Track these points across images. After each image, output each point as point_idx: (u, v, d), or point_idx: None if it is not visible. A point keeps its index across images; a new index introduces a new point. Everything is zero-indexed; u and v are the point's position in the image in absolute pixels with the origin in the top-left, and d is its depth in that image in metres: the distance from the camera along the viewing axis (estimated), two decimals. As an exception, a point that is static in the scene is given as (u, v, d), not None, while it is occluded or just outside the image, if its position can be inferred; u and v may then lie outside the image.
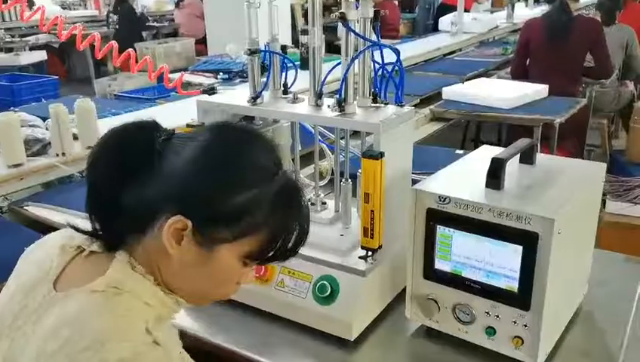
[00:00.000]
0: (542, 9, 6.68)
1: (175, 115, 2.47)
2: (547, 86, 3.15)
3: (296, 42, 4.95)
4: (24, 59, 6.91)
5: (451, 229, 1.11)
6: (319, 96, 1.26)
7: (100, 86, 5.36)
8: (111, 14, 8.52)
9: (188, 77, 4.26)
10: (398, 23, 7.38)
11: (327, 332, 1.19)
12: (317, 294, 1.19)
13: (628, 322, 1.24)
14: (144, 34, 8.61)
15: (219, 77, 4.19)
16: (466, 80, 3.51)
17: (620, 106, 4.68)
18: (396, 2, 7.51)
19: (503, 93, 3.00)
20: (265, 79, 1.32)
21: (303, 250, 1.23)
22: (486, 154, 1.32)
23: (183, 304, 0.87)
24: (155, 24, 9.13)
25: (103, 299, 0.77)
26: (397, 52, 1.21)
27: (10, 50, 7.32)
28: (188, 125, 1.34)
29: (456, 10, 5.20)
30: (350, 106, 1.20)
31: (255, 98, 1.30)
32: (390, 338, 1.22)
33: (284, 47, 1.34)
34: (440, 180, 1.18)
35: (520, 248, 1.03)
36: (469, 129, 4.68)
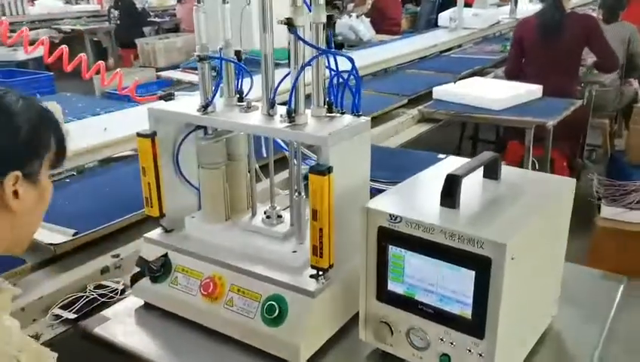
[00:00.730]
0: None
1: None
2: (541, 86, 3.05)
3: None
4: (22, 55, 6.87)
5: (403, 250, 1.04)
6: (272, 105, 1.19)
7: (99, 82, 5.31)
8: (112, 9, 8.48)
9: (179, 75, 4.20)
10: (400, 17, 7.28)
11: (275, 355, 1.13)
12: (265, 315, 1.13)
13: (597, 346, 1.17)
14: (145, 29, 8.56)
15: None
16: (461, 78, 3.41)
17: (622, 105, 4.57)
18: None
19: (495, 93, 2.91)
20: (215, 86, 1.25)
21: (253, 267, 1.19)
22: (450, 167, 1.25)
23: None
24: (156, 19, 9.09)
25: None
26: (351, 60, 1.13)
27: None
28: (138, 134, 1.28)
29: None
30: (301, 117, 1.13)
31: (205, 107, 1.23)
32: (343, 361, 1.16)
33: (238, 53, 1.28)
34: (394, 197, 1.11)
35: (473, 273, 0.96)
36: (467, 127, 4.59)
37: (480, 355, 0.99)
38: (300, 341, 1.10)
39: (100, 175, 2.00)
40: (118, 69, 1.60)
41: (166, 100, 1.37)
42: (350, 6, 7.65)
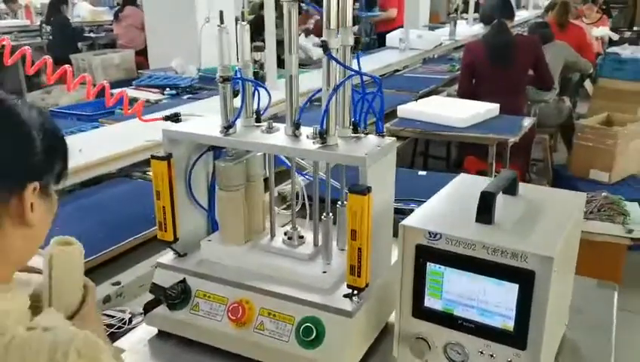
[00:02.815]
0: (480, 26, 6.90)
1: (128, 136, 2.35)
2: (498, 105, 3.21)
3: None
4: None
5: (442, 266, 1.06)
6: (297, 126, 1.19)
7: (33, 100, 5.05)
8: (44, 25, 8.13)
9: (132, 92, 4.08)
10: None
11: (312, 377, 1.12)
12: (301, 337, 1.12)
13: (611, 352, 1.24)
14: (80, 45, 8.25)
15: (165, 93, 4.04)
16: (419, 97, 3.53)
17: (560, 121, 4.87)
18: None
19: (457, 111, 3.03)
20: (240, 108, 1.23)
21: (284, 289, 1.18)
22: (467, 183, 1.30)
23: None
24: (91, 35, 8.78)
25: None
26: (379, 81, 1.16)
27: None
28: (153, 156, 1.24)
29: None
30: (332, 138, 1.14)
31: (228, 128, 1.21)
32: (378, 380, 1.16)
33: (256, 73, 1.27)
34: (427, 214, 1.14)
35: (516, 286, 1.00)
36: (419, 143, 4.73)
37: (521, 365, 1.03)
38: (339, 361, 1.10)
39: (84, 198, 1.91)
40: (104, 81, 1.53)
41: (173, 121, 1.35)
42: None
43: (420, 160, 4.75)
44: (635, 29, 9.60)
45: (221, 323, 1.19)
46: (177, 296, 1.23)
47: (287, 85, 1.20)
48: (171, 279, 1.26)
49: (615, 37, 7.54)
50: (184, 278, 1.26)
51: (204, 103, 3.45)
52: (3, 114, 0.82)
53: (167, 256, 1.32)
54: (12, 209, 0.80)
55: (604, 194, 3.06)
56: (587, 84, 5.93)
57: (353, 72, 1.12)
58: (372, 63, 4.38)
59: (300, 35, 5.96)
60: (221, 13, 1.21)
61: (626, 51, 7.27)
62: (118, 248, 1.56)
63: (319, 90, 1.16)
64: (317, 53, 5.48)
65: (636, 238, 2.90)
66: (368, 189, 1.06)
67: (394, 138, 1.19)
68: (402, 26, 5.37)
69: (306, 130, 1.19)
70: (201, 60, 4.32)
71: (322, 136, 1.13)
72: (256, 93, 1.27)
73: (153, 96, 3.90)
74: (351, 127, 1.19)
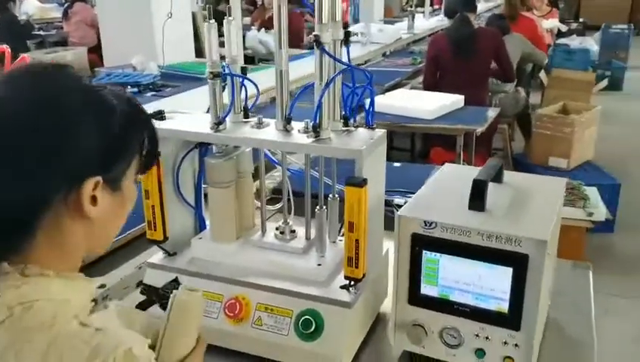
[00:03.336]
0: (437, 19, 7.03)
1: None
2: (463, 97, 3.29)
3: (198, 52, 4.79)
4: None
5: (438, 254, 1.09)
6: (288, 120, 1.20)
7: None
8: (-10, 23, 7.78)
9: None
10: (303, 32, 7.41)
11: (313, 369, 1.13)
12: (300, 330, 1.13)
13: (592, 328, 1.30)
14: (29, 43, 7.95)
15: (127, 90, 3.95)
16: (385, 90, 3.58)
17: (516, 111, 5.02)
18: (299, 11, 7.54)
19: (424, 104, 3.09)
20: (230, 104, 1.23)
21: (280, 284, 1.18)
22: (453, 172, 1.34)
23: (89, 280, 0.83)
24: (40, 32, 8.48)
25: (17, 321, 0.70)
26: (370, 75, 1.18)
27: None
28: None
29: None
30: (325, 132, 1.15)
31: (218, 124, 1.21)
32: (376, 368, 1.19)
33: (244, 69, 1.27)
34: (420, 204, 1.17)
35: (510, 270, 1.04)
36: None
37: (515, 345, 1.07)
38: (340, 353, 1.11)
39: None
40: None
41: (158, 119, 1.33)
42: (247, 20, 7.67)
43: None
44: (580, 20, 9.98)
45: (218, 321, 1.19)
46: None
47: (278, 80, 1.20)
48: (163, 279, 1.25)
49: (564, 28, 7.82)
50: (176, 277, 1.25)
51: (169, 101, 3.39)
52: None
53: (156, 256, 1.31)
54: (70, 200, 0.75)
55: (565, 180, 3.17)
56: (542, 74, 6.13)
57: (345, 66, 1.14)
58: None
59: (259, 30, 5.92)
60: (209, 8, 1.20)
61: (575, 42, 7.57)
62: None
63: (311, 85, 1.17)
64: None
65: (596, 221, 3.03)
66: (365, 181, 1.07)
67: (384, 130, 1.21)
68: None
69: (297, 125, 1.20)
70: (164, 57, 4.24)
71: (316, 130, 1.14)
72: (243, 88, 1.27)
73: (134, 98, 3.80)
74: (342, 120, 1.20)
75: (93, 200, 0.77)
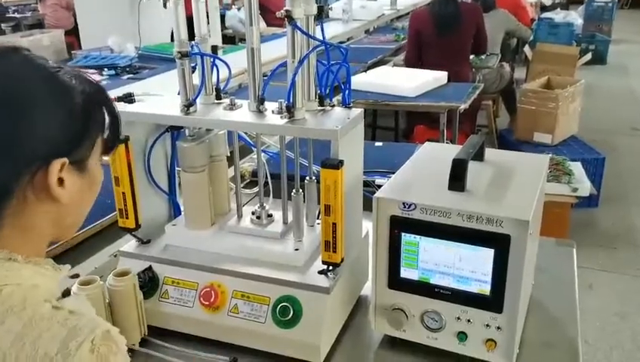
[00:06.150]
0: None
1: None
2: (446, 73, 3.24)
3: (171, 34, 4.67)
4: None
5: (417, 236, 1.06)
6: (261, 101, 1.15)
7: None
8: (-38, 5, 7.57)
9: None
10: (284, 10, 7.27)
11: (292, 357, 1.10)
12: (278, 317, 1.10)
13: (576, 307, 1.28)
14: (3, 26, 7.75)
15: (104, 73, 3.85)
16: (368, 68, 3.52)
17: (501, 87, 4.99)
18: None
19: (406, 81, 3.04)
20: (200, 84, 1.18)
21: (256, 270, 1.15)
22: (433, 151, 1.30)
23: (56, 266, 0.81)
24: (16, 15, 8.25)
25: None
26: (345, 51, 1.13)
27: None
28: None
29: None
30: (299, 112, 1.10)
31: (188, 106, 1.16)
32: (357, 353, 1.16)
33: (214, 48, 1.21)
34: (399, 184, 1.13)
35: (491, 251, 1.01)
36: (366, 115, 4.74)
37: (498, 328, 1.05)
38: (318, 339, 1.08)
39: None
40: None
41: (127, 102, 1.27)
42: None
43: (369, 132, 4.77)
44: (564, -7, 9.94)
45: (193, 309, 1.16)
46: (145, 285, 1.18)
47: (249, 59, 1.15)
48: (136, 267, 1.21)
49: (548, 2, 7.79)
50: (150, 266, 1.21)
51: (146, 83, 3.31)
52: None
53: (129, 244, 1.26)
54: (36, 183, 0.74)
55: (550, 155, 3.16)
56: (526, 49, 6.10)
57: (319, 43, 1.09)
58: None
59: (239, 9, 5.80)
60: (175, -16, 1.13)
61: (559, 16, 7.54)
62: (73, 238, 1.47)
63: (284, 63, 1.12)
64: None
65: (581, 196, 3.03)
66: (341, 163, 1.03)
67: (361, 109, 1.17)
68: None
69: (271, 105, 1.15)
70: (140, 38, 4.14)
71: (290, 110, 1.09)
72: (215, 68, 1.22)
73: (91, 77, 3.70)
74: (317, 99, 1.16)
75: (61, 182, 0.75)
